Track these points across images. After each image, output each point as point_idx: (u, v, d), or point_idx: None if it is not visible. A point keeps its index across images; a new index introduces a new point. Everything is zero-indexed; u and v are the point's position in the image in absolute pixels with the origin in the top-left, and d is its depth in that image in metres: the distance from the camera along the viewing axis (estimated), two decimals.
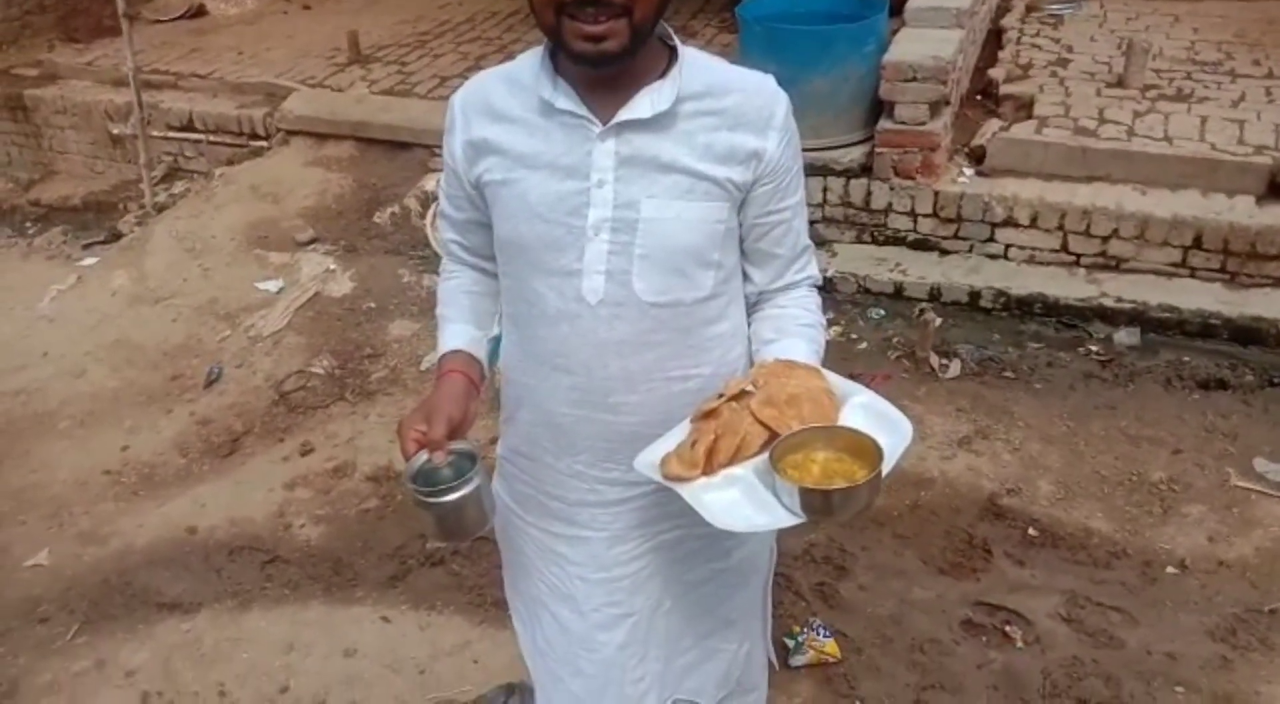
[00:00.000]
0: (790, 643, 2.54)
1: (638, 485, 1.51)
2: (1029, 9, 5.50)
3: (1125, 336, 3.66)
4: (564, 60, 1.38)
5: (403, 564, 2.97)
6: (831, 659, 2.53)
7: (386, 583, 2.92)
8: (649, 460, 1.35)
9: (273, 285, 4.29)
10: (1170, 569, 2.77)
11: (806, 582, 2.79)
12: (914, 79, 3.88)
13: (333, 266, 4.33)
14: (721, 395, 1.36)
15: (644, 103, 1.37)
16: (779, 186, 1.46)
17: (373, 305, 4.14)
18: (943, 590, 2.75)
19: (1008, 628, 2.61)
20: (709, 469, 1.30)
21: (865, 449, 1.27)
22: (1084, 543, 2.86)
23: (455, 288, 1.63)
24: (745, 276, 1.55)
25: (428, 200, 4.71)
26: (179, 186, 5.58)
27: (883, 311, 3.96)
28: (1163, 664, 2.49)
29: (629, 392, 1.47)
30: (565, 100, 1.38)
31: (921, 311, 3.90)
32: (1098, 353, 3.62)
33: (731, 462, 1.31)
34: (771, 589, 1.87)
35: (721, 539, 1.61)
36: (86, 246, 5.12)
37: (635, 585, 1.60)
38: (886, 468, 1.25)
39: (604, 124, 1.38)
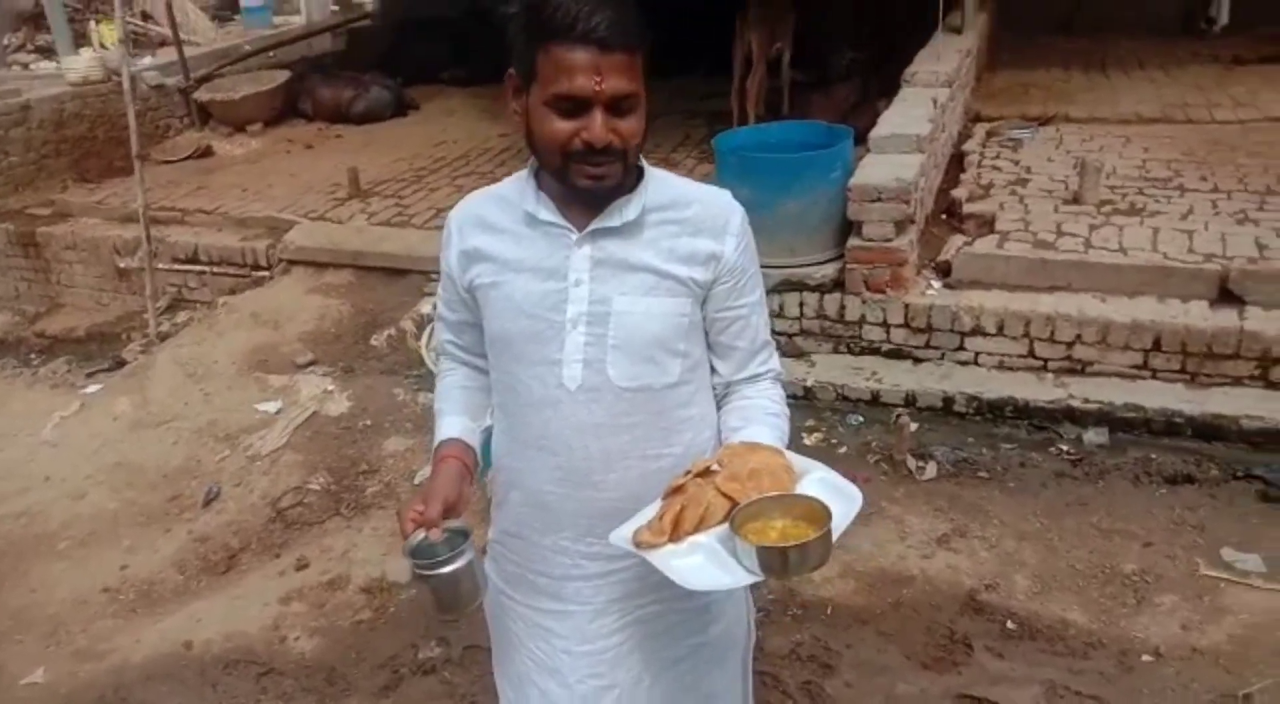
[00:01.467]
0: None
1: (617, 559, 1.63)
2: (989, 135, 5.85)
3: (1094, 436, 3.80)
4: (546, 179, 1.57)
5: (395, 673, 3.02)
6: None
7: (379, 693, 2.96)
8: (623, 534, 1.47)
9: (272, 406, 4.44)
10: (1146, 657, 2.83)
11: (793, 681, 2.84)
12: (879, 200, 4.14)
13: (330, 387, 4.49)
14: (688, 472, 1.50)
15: (615, 214, 1.56)
16: (736, 285, 1.63)
17: (369, 423, 4.28)
18: (926, 685, 2.80)
19: None
20: (675, 537, 1.43)
21: (818, 514, 1.39)
22: (1061, 634, 2.93)
23: (451, 384, 1.79)
24: (712, 369, 1.71)
25: (423, 322, 4.90)
26: (182, 316, 5.78)
27: (861, 418, 4.10)
28: None
29: (607, 470, 1.61)
30: (547, 213, 1.57)
31: (898, 417, 4.04)
32: (1068, 452, 3.75)
33: (696, 530, 1.43)
34: (752, 677, 1.95)
35: (699, 614, 1.72)
36: (90, 375, 5.28)
37: (617, 659, 1.70)
38: (837, 529, 1.37)
39: (580, 232, 1.56)
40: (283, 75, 8.03)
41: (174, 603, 3.44)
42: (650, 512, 1.49)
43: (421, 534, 1.51)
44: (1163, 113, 6.05)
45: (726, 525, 1.41)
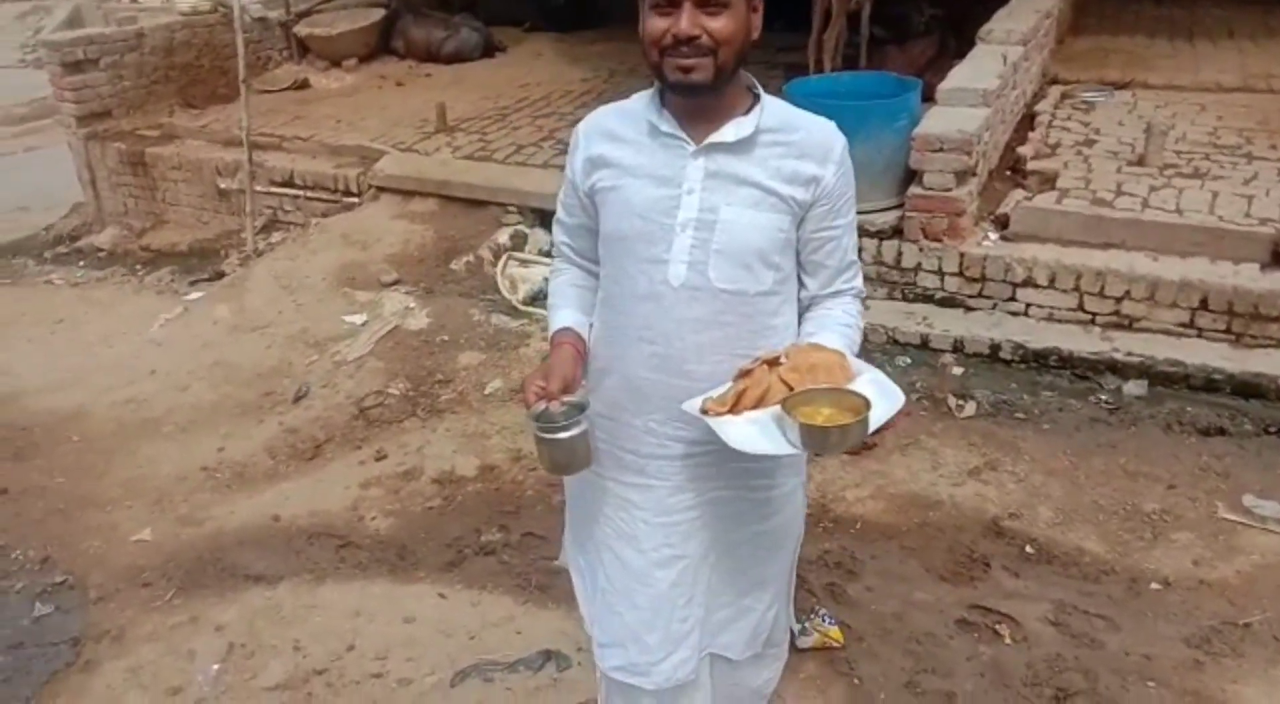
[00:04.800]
0: (797, 627, 2.84)
1: (700, 444, 1.85)
2: (1064, 96, 5.90)
3: (1133, 388, 3.93)
4: (669, 96, 1.76)
5: (459, 553, 3.34)
6: (835, 644, 2.82)
7: (444, 567, 3.29)
8: (693, 403, 1.73)
9: (358, 319, 4.78)
10: (1154, 585, 3.01)
11: (818, 582, 3.09)
12: (941, 150, 4.28)
13: (412, 305, 4.81)
14: (758, 360, 1.73)
15: (730, 130, 1.74)
16: (833, 208, 1.82)
17: (445, 338, 4.59)
18: (942, 595, 3.02)
19: (998, 627, 2.88)
20: (735, 410, 1.67)
21: (861, 409, 1.61)
22: (1076, 561, 3.12)
23: (565, 282, 2.00)
24: (801, 284, 1.91)
25: (499, 251, 5.20)
26: (276, 237, 6.16)
27: (909, 360, 4.28)
28: (1138, 664, 2.73)
29: (700, 361, 1.80)
30: (668, 125, 1.76)
31: (945, 362, 4.22)
32: (1106, 401, 3.89)
33: (755, 407, 1.68)
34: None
35: (763, 504, 1.96)
36: (193, 283, 5.70)
37: (689, 533, 1.92)
38: (876, 421, 1.60)
39: (697, 145, 1.75)
40: (378, 14, 8.33)
41: (264, 483, 3.81)
42: (722, 390, 1.74)
43: (544, 405, 1.74)
44: (1244, 82, 6.01)
45: (780, 406, 1.64)
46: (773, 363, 1.72)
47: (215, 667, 2.89)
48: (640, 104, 1.82)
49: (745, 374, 1.71)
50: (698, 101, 1.73)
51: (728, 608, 2.01)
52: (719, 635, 2.02)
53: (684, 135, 1.75)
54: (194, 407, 4.36)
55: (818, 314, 1.88)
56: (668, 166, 1.76)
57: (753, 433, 1.64)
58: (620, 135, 1.82)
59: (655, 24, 1.66)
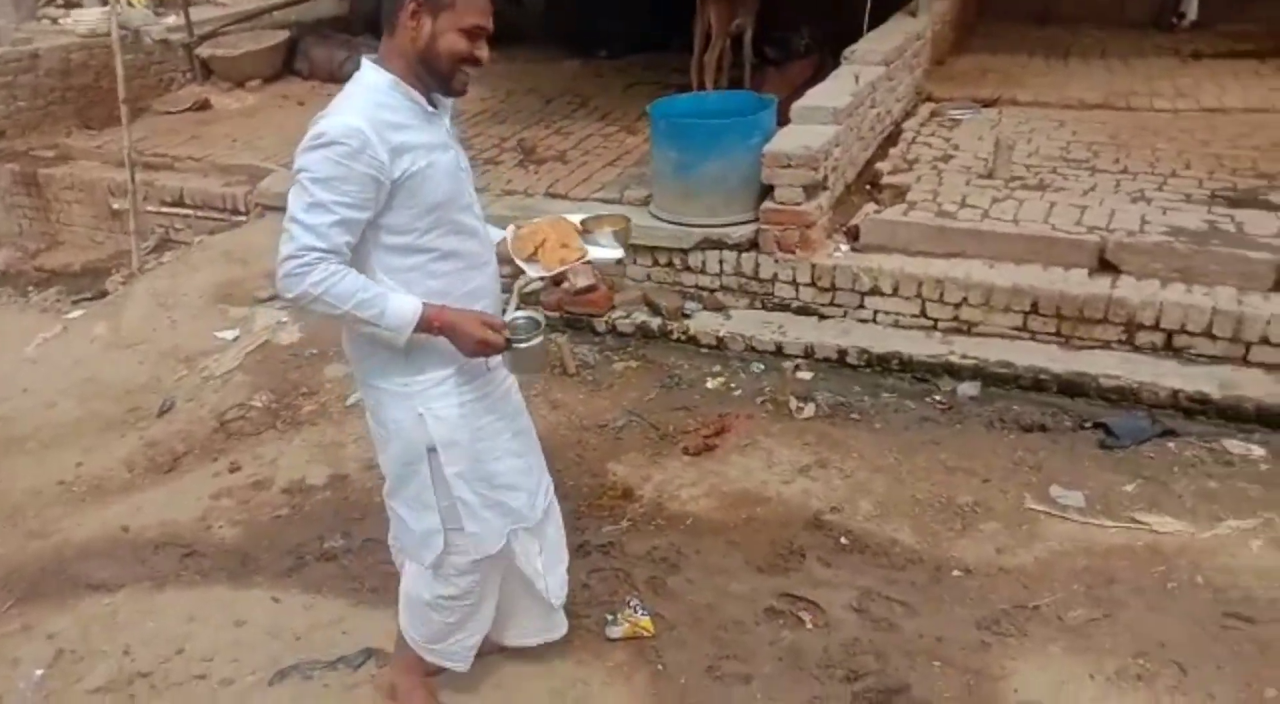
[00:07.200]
0: (609, 617, 2.96)
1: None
2: (932, 114, 6.14)
3: (967, 388, 4.12)
4: (407, 85, 2.12)
5: (299, 559, 3.42)
6: (645, 633, 2.94)
7: (284, 573, 3.36)
8: (529, 267, 2.44)
9: (229, 334, 4.84)
10: (956, 572, 3.17)
11: (641, 576, 3.21)
12: (789, 165, 4.46)
13: (284, 319, 4.88)
14: (521, 225, 2.50)
15: (445, 104, 2.27)
16: None
17: (315, 351, 4.67)
18: (757, 585, 3.16)
19: (802, 614, 3.02)
20: (543, 253, 2.44)
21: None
22: (887, 551, 3.28)
23: (363, 279, 2.14)
24: None
25: None
26: (168, 256, 6.19)
27: (763, 366, 4.44)
28: (929, 645, 2.89)
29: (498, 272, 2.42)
30: (428, 105, 2.17)
31: (797, 367, 4.39)
32: (940, 402, 4.08)
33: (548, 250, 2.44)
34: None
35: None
36: (76, 302, 5.72)
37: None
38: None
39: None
40: (281, 35, 8.41)
41: (118, 495, 3.86)
42: (524, 254, 2.42)
43: (510, 323, 2.28)
44: (1105, 99, 6.31)
45: (583, 230, 2.50)
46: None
47: (39, 673, 2.94)
48: (391, 98, 2.12)
49: (528, 237, 2.43)
50: None
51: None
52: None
53: (437, 111, 2.21)
54: (59, 423, 4.39)
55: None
56: (438, 136, 2.19)
57: (596, 251, 2.47)
58: (404, 123, 2.12)
59: (460, 45, 2.11)
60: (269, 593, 3.25)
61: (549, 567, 2.64)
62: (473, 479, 2.39)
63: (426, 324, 2.17)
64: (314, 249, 2.08)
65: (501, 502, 2.44)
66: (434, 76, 2.13)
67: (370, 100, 2.09)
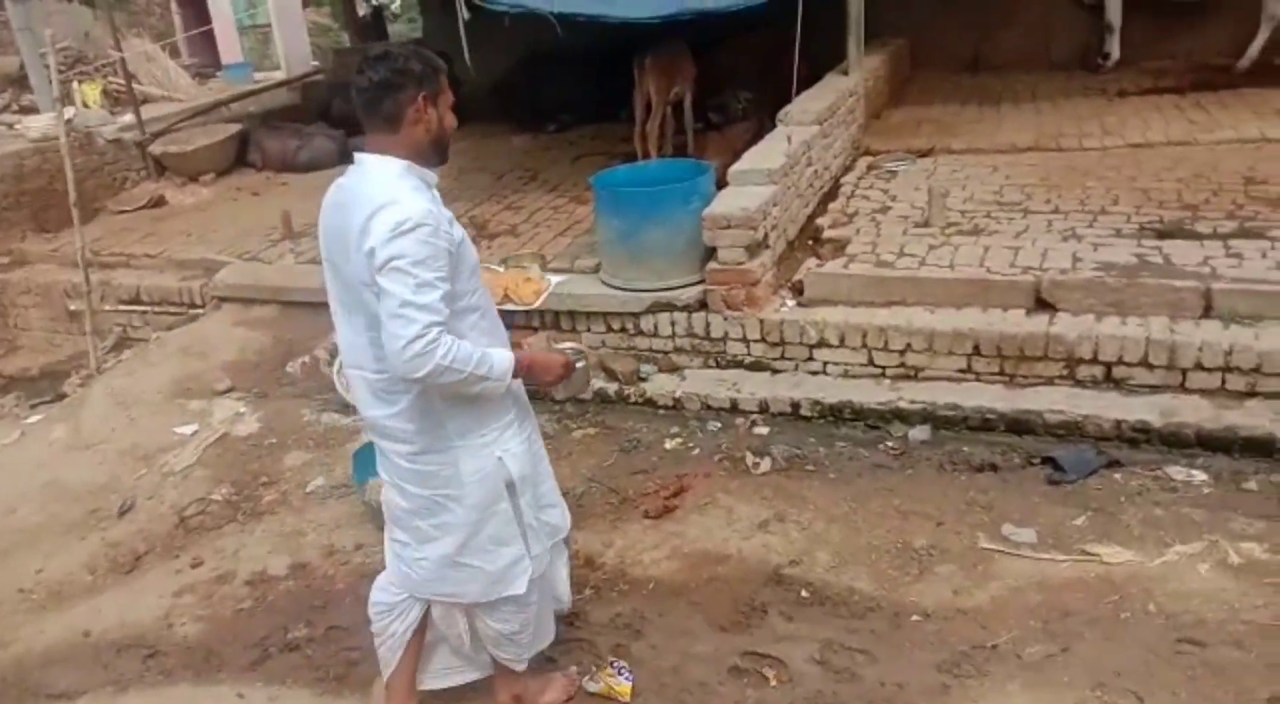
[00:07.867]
0: (594, 667, 3.02)
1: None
2: (870, 167, 6.32)
3: (918, 433, 4.20)
4: (419, 165, 2.41)
5: (264, 651, 3.41)
6: (621, 699, 2.96)
7: (248, 667, 3.35)
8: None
9: (188, 429, 4.85)
10: (915, 617, 3.21)
11: (605, 644, 3.22)
12: (729, 227, 4.59)
13: (243, 410, 4.91)
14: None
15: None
16: None
17: (274, 441, 4.69)
18: (720, 645, 3.18)
19: (766, 671, 3.04)
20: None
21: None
22: (846, 600, 3.32)
23: (469, 343, 2.38)
24: None
25: (335, 351, 5.33)
26: (127, 354, 6.21)
27: (719, 424, 4.51)
28: (891, 693, 2.92)
29: None
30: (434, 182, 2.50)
31: (753, 422, 4.46)
32: (892, 448, 4.15)
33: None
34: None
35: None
36: (34, 406, 5.71)
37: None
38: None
39: None
40: (233, 128, 8.55)
41: (81, 599, 3.83)
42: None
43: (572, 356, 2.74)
44: (1036, 142, 6.53)
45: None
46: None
47: None
48: (413, 180, 2.38)
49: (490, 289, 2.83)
50: None
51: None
52: None
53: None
54: (19, 529, 4.36)
55: None
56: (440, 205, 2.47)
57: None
58: (433, 201, 2.40)
59: (452, 119, 2.46)
60: (233, 689, 3.24)
61: (561, 575, 3.02)
62: (534, 504, 2.70)
63: (518, 368, 2.50)
64: (436, 325, 2.28)
65: (547, 520, 2.79)
66: (439, 154, 2.46)
67: (408, 184, 2.35)
